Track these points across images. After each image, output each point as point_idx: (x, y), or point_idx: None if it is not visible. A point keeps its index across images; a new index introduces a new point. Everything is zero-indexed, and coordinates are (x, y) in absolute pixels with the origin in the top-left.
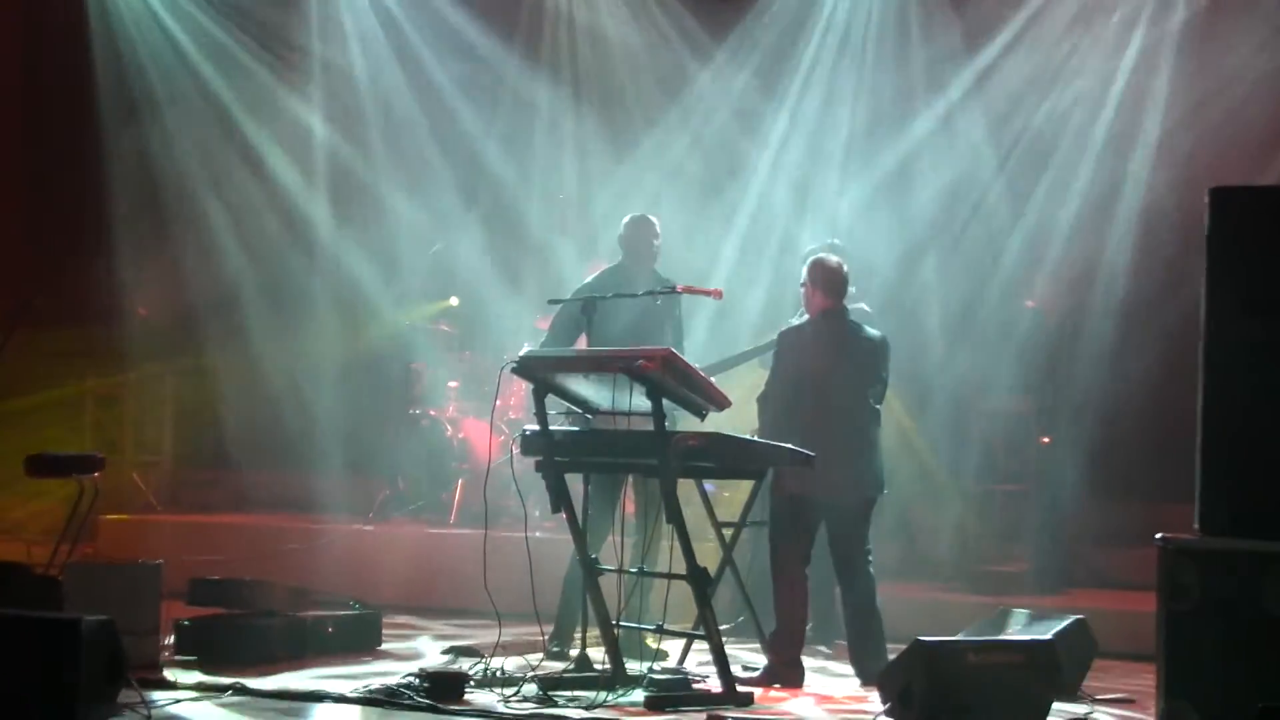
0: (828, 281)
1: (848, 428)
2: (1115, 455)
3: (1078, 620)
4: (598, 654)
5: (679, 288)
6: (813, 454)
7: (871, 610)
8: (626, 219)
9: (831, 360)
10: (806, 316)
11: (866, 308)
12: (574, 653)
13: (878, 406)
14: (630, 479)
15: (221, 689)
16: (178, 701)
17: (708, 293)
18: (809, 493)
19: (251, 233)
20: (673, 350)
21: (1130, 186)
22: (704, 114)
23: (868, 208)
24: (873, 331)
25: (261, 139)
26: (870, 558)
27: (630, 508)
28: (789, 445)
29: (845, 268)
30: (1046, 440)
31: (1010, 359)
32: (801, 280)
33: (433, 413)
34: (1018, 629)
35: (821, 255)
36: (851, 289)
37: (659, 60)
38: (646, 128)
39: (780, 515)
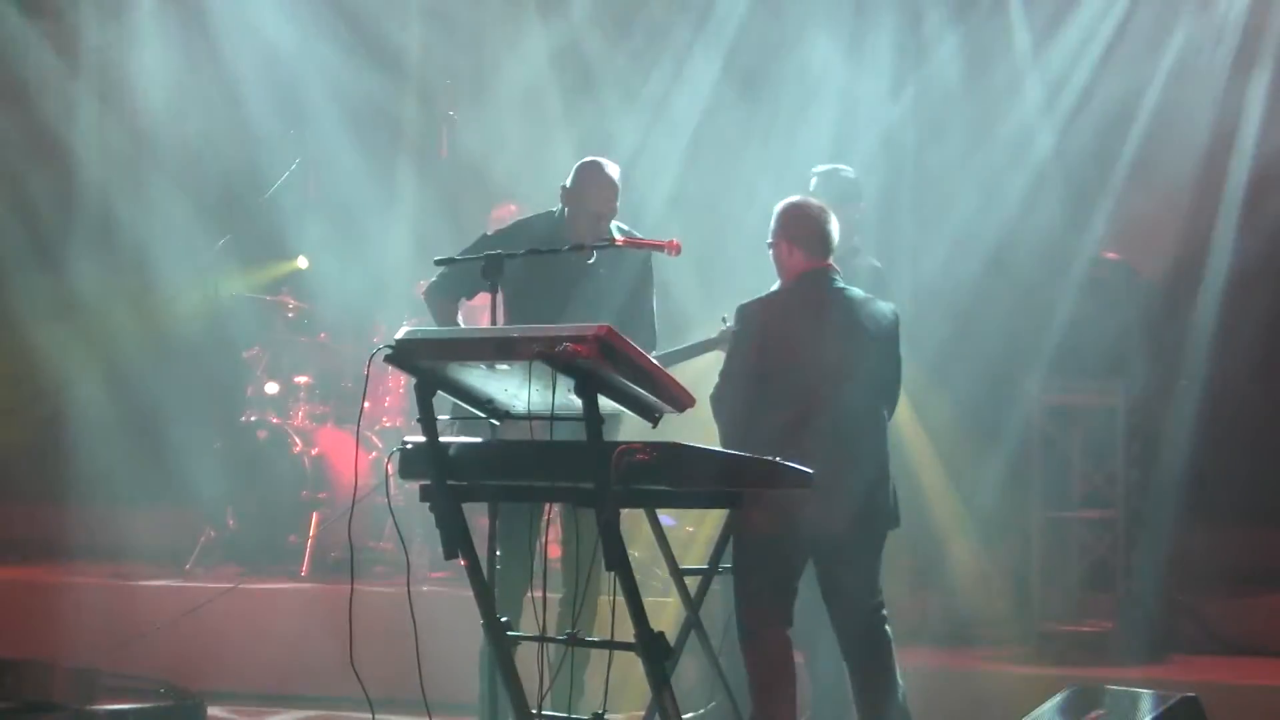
0: (808, 232)
1: (843, 435)
2: (1239, 467)
3: (1186, 700)
4: None
5: (618, 239)
6: (811, 471)
7: (889, 688)
8: (578, 164)
9: (819, 339)
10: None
11: (876, 263)
12: None
13: (885, 411)
14: (555, 508)
15: None
16: None
17: (658, 245)
18: (790, 528)
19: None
20: (612, 328)
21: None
22: None
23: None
24: (880, 303)
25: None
26: (884, 613)
27: (555, 549)
28: (779, 460)
29: (831, 215)
30: None
31: (1087, 332)
32: (770, 235)
33: (274, 420)
34: (1101, 713)
35: (797, 199)
36: (856, 239)
37: None
38: None
39: (749, 561)
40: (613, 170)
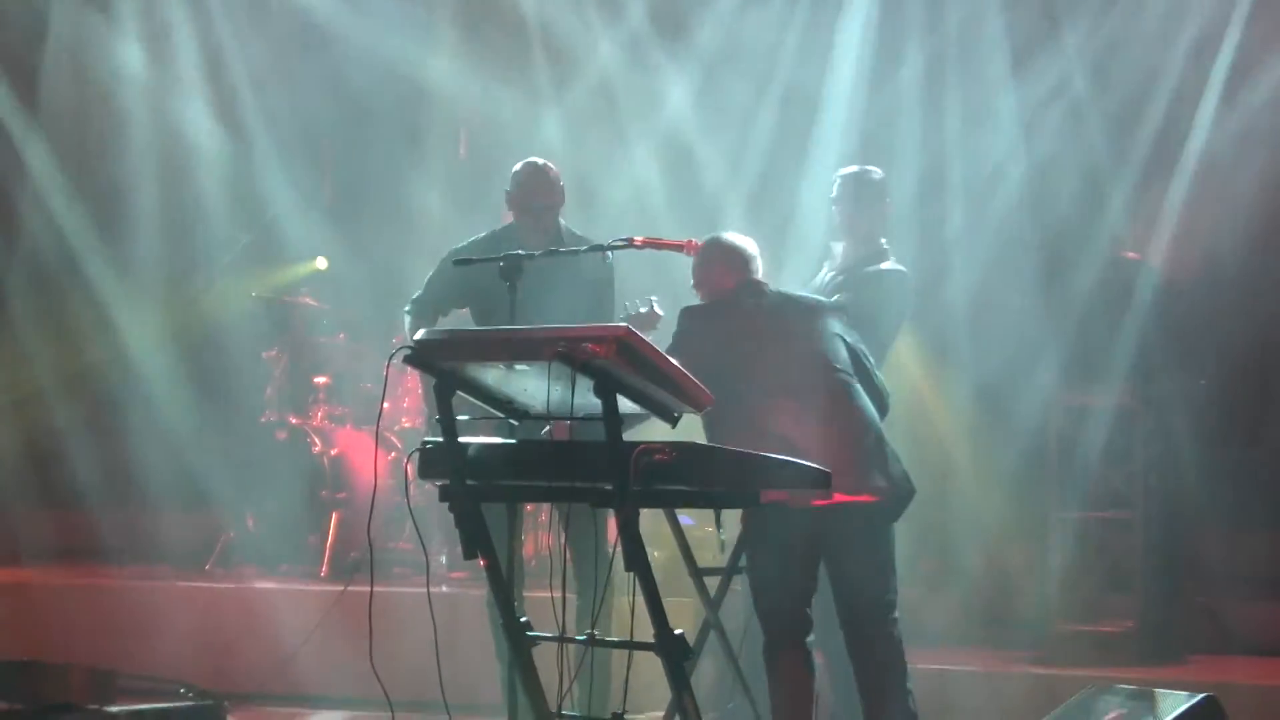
0: (725, 257)
1: (821, 410)
2: (1261, 468)
3: (1206, 699)
4: None
5: (636, 240)
6: (830, 471)
7: (897, 690)
8: (517, 167)
9: (766, 327)
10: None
11: (901, 267)
12: None
13: (860, 387)
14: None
15: None
16: None
17: (677, 246)
18: (799, 520)
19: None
20: (631, 329)
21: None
22: None
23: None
24: (819, 297)
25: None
26: (895, 615)
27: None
28: (802, 461)
29: (750, 248)
30: None
31: (1105, 332)
32: (693, 274)
33: (294, 420)
34: (1121, 713)
35: (716, 236)
36: (883, 240)
37: None
38: None
39: (762, 558)
40: (552, 170)
